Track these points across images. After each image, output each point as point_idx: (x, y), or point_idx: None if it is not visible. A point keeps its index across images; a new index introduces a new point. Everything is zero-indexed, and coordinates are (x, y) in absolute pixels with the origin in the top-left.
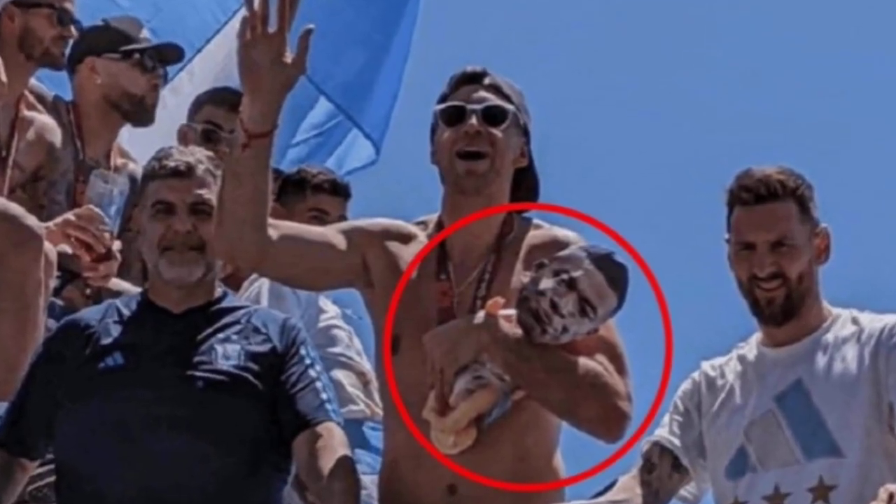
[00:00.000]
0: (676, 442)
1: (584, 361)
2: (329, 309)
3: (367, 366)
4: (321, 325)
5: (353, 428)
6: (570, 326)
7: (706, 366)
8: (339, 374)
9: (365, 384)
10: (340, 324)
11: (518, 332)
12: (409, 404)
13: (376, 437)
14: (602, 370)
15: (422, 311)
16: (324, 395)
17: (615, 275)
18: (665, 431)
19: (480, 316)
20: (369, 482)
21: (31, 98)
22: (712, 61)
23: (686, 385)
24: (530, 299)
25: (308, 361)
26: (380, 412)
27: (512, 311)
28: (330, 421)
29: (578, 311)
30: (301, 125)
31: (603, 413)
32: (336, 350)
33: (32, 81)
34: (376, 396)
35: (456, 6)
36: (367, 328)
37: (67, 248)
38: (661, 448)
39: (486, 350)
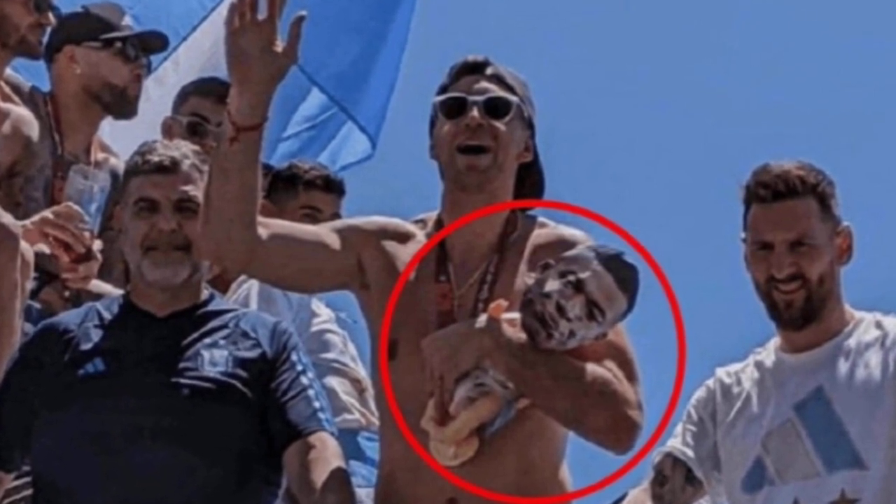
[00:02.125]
0: (690, 453)
1: (591, 368)
2: (322, 312)
3: (362, 372)
4: (314, 329)
5: (348, 438)
6: (577, 331)
7: (721, 372)
8: (333, 382)
9: (360, 392)
10: (334, 328)
11: (522, 336)
12: (406, 413)
13: (372, 448)
14: (611, 377)
15: (420, 314)
16: (316, 404)
17: (625, 276)
18: (678, 442)
19: (482, 320)
20: (364, 495)
21: (7, 89)
22: (727, 50)
23: (700, 393)
24: (535, 302)
25: (300, 368)
26: (376, 421)
27: (516, 315)
28: (323, 431)
29: (586, 315)
30: (292, 118)
31: (612, 422)
32: (329, 356)
33: (8, 72)
34: (372, 405)
35: None
36: (362, 332)
37: (45, 248)
38: (673, 459)
39: (489, 356)
